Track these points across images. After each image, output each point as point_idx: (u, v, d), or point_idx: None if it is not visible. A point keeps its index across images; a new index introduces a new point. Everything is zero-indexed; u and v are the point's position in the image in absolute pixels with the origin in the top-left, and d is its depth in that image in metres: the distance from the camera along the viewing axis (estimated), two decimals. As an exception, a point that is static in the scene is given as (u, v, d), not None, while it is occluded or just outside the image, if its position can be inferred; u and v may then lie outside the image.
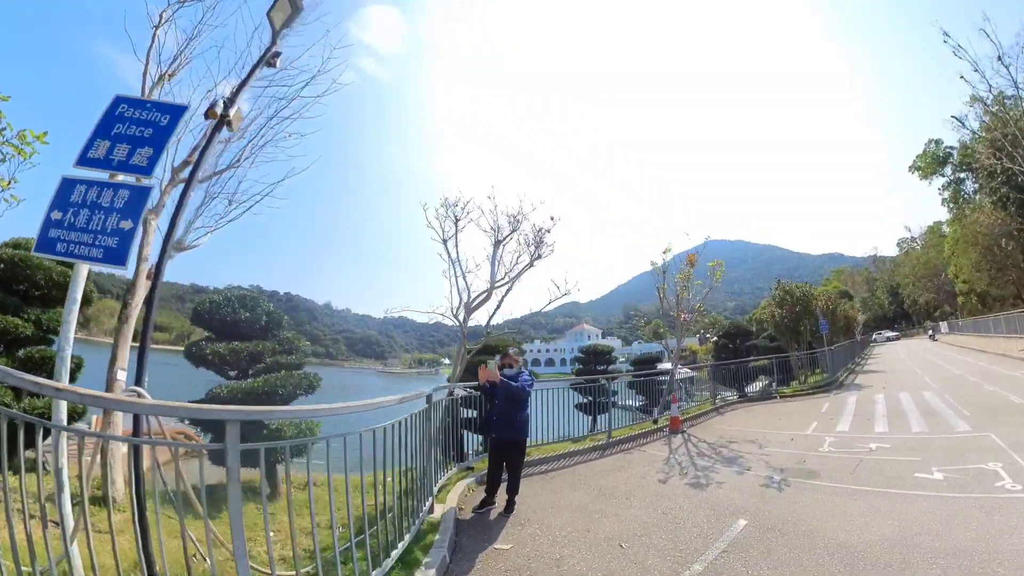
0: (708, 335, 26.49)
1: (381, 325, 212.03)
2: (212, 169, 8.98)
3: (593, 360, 18.50)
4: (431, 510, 5.02)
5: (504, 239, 8.76)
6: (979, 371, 16.85)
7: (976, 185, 39.77)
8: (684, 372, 21.11)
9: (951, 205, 41.89)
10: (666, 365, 14.87)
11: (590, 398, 11.99)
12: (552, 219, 8.81)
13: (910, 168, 44.89)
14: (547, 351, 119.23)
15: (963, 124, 29.49)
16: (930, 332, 48.45)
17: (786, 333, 17.98)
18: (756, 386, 17.17)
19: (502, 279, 8.77)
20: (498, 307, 8.92)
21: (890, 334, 58.98)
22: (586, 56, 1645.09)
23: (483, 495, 5.48)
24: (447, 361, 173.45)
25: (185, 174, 8.49)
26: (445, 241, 8.49)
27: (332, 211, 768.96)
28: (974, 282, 36.87)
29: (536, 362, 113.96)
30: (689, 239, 11.54)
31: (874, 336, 55.60)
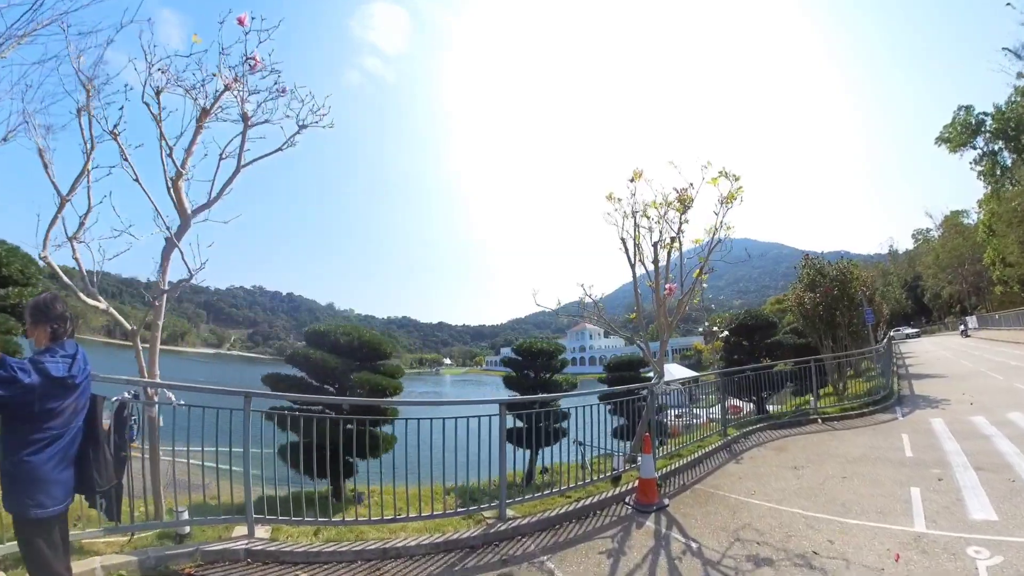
0: (716, 329, 21.07)
1: (384, 325, 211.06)
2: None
3: (529, 364, 11.80)
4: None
5: (213, 106, 4.29)
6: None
7: (1013, 156, 34.90)
8: (682, 375, 16.13)
9: (987, 179, 36.92)
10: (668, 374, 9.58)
11: (534, 423, 7.39)
12: (238, 20, 4.27)
13: (937, 140, 39.90)
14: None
15: (1019, 56, 24.46)
16: (962, 328, 43.51)
17: (819, 326, 13.20)
18: (780, 394, 12.43)
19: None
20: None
21: (910, 330, 54.12)
22: (588, 58, 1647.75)
23: None
24: (448, 361, 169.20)
25: None
26: (79, 111, 4.01)
27: (335, 211, 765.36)
28: (1021, 265, 31.92)
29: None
30: (678, 171, 6.95)
31: (891, 333, 50.67)
